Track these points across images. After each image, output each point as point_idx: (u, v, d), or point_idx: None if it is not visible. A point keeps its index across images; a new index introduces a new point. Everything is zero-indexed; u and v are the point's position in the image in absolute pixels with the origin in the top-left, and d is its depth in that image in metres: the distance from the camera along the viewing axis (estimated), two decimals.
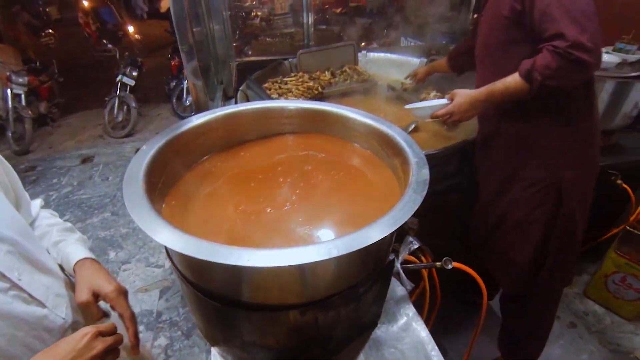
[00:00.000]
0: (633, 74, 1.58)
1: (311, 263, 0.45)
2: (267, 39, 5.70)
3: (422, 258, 1.31)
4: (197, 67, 1.07)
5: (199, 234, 0.49)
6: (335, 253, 0.46)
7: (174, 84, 4.75)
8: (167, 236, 0.48)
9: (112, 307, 0.75)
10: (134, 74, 4.51)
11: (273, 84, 1.80)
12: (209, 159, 0.86)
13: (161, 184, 0.70)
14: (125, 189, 0.57)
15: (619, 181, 1.63)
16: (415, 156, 0.73)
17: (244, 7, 6.07)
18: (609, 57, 1.61)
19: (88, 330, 0.60)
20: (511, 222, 1.30)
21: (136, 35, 6.47)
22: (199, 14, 1.41)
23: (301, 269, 0.53)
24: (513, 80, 1.03)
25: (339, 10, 5.20)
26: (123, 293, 0.77)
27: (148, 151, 0.68)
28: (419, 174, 0.67)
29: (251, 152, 0.89)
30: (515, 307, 1.50)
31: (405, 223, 1.27)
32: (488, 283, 1.05)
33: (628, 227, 1.79)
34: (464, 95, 1.16)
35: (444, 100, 1.27)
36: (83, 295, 0.73)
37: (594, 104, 1.17)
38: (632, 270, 1.83)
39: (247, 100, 1.68)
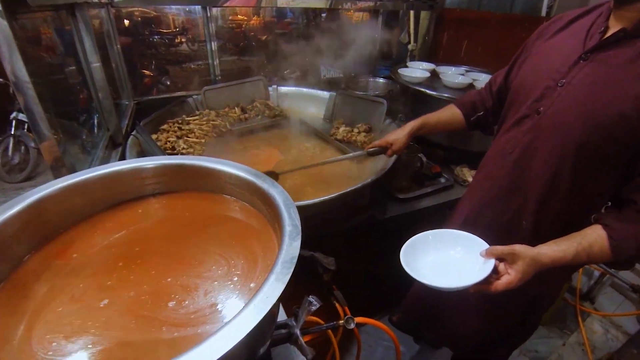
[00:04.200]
0: None
1: None
2: (192, 66, 5.47)
3: (338, 307, 1.23)
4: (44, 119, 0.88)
5: None
6: None
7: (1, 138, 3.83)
8: None
9: None
10: None
11: (172, 125, 1.64)
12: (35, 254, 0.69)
13: None
14: None
15: None
16: (290, 223, 0.64)
17: (166, 34, 5.79)
18: None
19: None
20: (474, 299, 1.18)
21: None
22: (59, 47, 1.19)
23: None
24: (600, 252, 0.83)
25: (264, 38, 5.19)
26: None
27: None
28: (289, 249, 0.58)
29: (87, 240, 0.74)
30: None
31: (320, 266, 1.15)
32: None
33: None
34: (531, 261, 0.83)
35: (489, 265, 0.85)
36: None
37: None
38: None
39: (140, 146, 1.50)
